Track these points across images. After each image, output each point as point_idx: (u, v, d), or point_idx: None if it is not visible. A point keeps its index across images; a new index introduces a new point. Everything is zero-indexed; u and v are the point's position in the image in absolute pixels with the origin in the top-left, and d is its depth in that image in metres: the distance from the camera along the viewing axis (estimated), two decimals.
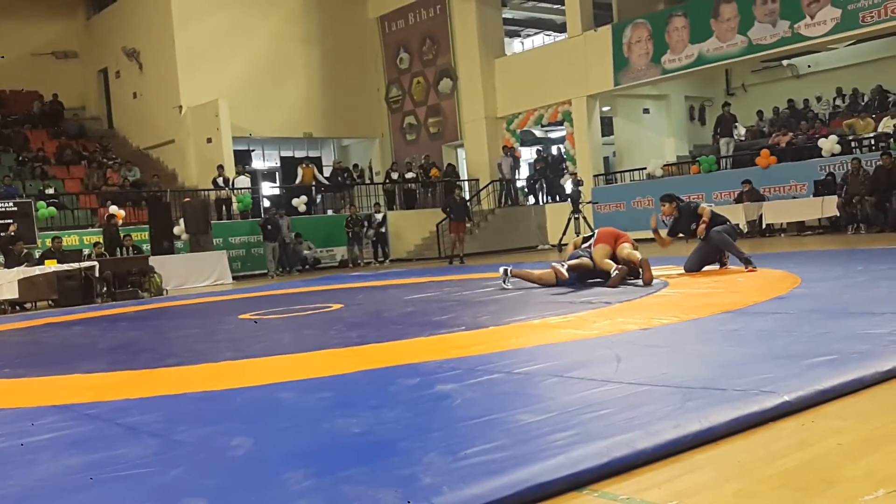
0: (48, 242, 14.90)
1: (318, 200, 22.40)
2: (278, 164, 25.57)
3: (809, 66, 22.91)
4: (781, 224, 16.37)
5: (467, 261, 16.90)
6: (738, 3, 17.65)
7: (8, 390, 4.70)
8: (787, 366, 3.29)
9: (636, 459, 2.30)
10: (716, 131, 19.60)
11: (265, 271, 18.25)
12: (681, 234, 8.73)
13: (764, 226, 16.14)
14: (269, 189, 24.16)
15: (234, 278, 17.23)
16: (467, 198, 20.72)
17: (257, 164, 24.93)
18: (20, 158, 20.70)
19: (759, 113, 22.23)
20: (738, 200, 16.46)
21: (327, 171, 23.43)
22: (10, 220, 15.15)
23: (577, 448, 2.36)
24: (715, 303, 5.66)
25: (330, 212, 22.26)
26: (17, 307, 13.28)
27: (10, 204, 15.74)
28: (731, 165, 18.43)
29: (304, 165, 21.76)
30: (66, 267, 13.36)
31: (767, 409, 2.67)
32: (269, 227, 18.08)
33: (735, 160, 18.60)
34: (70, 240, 16.13)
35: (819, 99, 22.42)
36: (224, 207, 19.62)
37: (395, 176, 22.78)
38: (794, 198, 16.16)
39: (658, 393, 3.01)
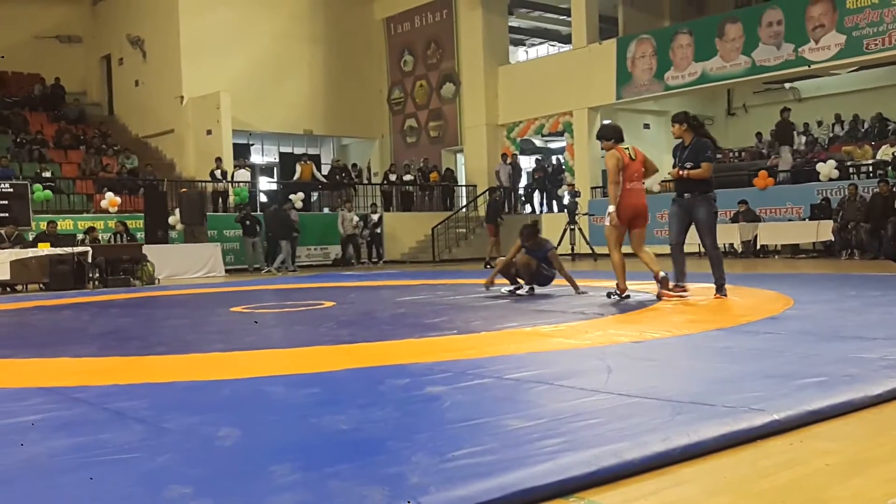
0: (42, 225, 14.86)
1: (315, 198, 22.40)
2: (277, 160, 25.56)
3: (814, 71, 22.88)
4: (776, 246, 16.43)
5: (459, 266, 16.89)
6: (743, 23, 17.74)
7: None
8: (778, 385, 3.30)
9: (623, 470, 2.29)
10: (775, 140, 18.74)
11: (257, 266, 18.22)
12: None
13: (758, 247, 16.19)
14: (266, 184, 24.14)
15: (226, 271, 17.20)
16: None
17: (256, 158, 24.93)
18: (18, 140, 20.64)
19: (758, 134, 22.29)
20: (734, 220, 16.50)
21: (326, 170, 23.43)
22: (6, 202, 15.16)
23: (565, 455, 2.35)
24: (707, 319, 5.68)
25: (326, 210, 22.26)
26: (8, 289, 13.23)
27: (6, 185, 15.68)
28: (730, 185, 18.27)
29: (302, 162, 21.74)
30: (59, 251, 13.33)
31: (756, 426, 2.67)
32: (248, 222, 18.08)
33: (731, 180, 18.62)
34: (65, 224, 16.10)
35: (819, 123, 22.49)
36: (220, 200, 19.60)
37: (393, 177, 22.77)
38: (790, 220, 16.22)
39: (647, 405, 3.01)
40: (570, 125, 21.29)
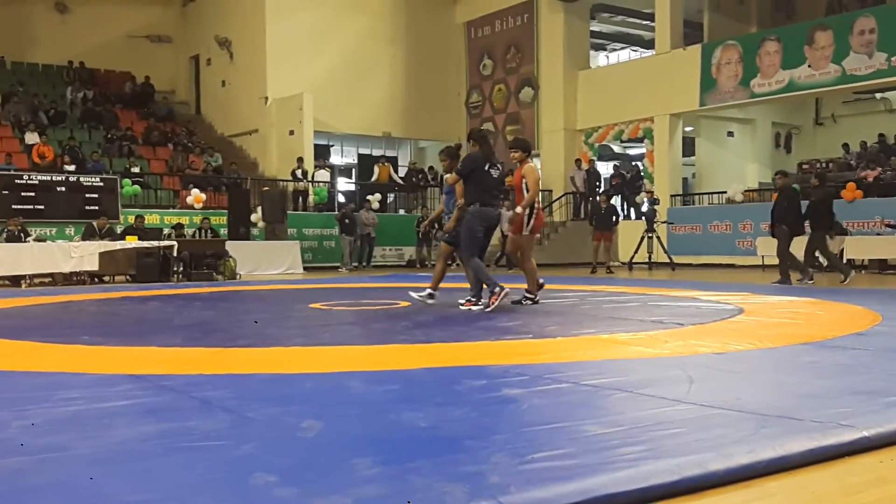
0: (131, 219, 15.38)
1: (392, 199, 22.61)
2: (355, 161, 25.89)
3: None
4: (863, 260, 15.89)
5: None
6: (833, 31, 17.22)
7: (86, 356, 4.85)
8: (867, 402, 3.20)
9: (707, 480, 2.25)
10: None
11: (335, 264, 18.52)
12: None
13: (845, 261, 15.66)
14: (344, 184, 24.48)
15: (304, 269, 17.51)
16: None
17: (335, 159, 25.30)
18: (109, 136, 21.39)
19: (846, 146, 21.62)
20: None
21: (402, 171, 23.62)
22: (96, 195, 15.79)
23: (647, 463, 2.33)
24: (792, 333, 5.53)
25: (402, 211, 22.46)
26: (96, 279, 13.73)
27: (97, 179, 16.30)
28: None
29: (380, 164, 21.97)
30: (146, 244, 13.78)
31: (845, 442, 2.60)
32: (346, 220, 18.37)
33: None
34: (151, 218, 16.62)
35: None
36: (301, 199, 19.96)
37: None
38: (879, 234, 15.67)
39: (732, 417, 2.95)
40: (650, 131, 21.00)
